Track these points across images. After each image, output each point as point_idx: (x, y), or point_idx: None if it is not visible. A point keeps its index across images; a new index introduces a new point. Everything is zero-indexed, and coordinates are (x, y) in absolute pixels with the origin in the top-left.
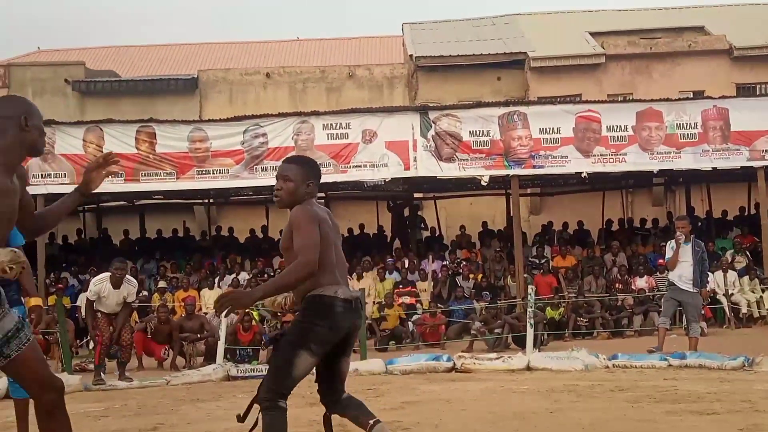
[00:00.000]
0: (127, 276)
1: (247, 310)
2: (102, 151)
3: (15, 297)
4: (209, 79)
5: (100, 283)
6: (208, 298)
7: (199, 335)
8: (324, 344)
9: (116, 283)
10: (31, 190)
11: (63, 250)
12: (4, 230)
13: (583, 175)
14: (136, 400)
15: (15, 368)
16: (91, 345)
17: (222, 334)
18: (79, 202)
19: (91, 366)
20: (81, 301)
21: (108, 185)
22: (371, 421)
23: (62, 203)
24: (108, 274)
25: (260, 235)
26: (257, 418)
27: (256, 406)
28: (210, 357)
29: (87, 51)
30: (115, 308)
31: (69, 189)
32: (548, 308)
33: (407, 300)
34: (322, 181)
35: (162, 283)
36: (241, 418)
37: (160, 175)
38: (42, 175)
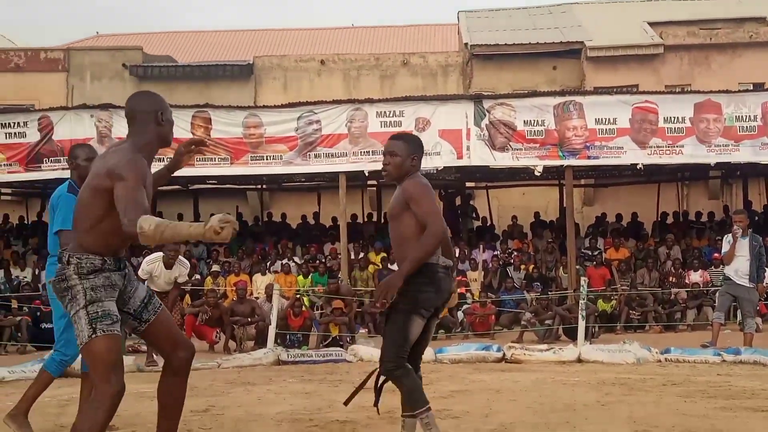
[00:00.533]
0: (180, 257)
1: (297, 296)
2: None
3: None
4: (264, 66)
5: (152, 262)
6: (260, 283)
7: (249, 319)
8: (430, 307)
9: (168, 264)
10: None
11: None
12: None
13: (638, 167)
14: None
15: (152, 330)
16: None
17: (273, 318)
18: (165, 180)
19: (144, 347)
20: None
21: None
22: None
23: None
24: (160, 254)
25: (311, 221)
26: (379, 384)
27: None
28: (261, 341)
29: (144, 36)
30: (165, 287)
31: None
32: (600, 300)
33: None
34: (374, 168)
35: (215, 267)
36: (346, 402)
37: (215, 160)
38: None
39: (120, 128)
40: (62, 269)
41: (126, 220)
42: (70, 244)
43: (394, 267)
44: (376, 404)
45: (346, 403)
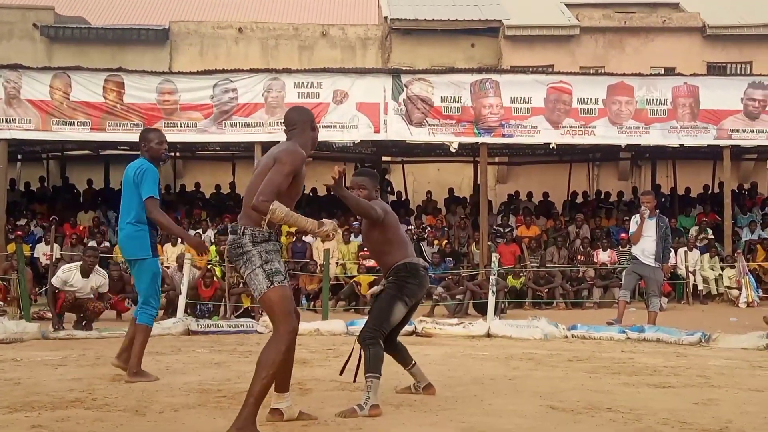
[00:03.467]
0: (97, 267)
1: (209, 267)
2: (68, 98)
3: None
4: (180, 31)
5: (69, 271)
6: (171, 252)
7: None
8: (413, 298)
9: (86, 272)
10: None
11: (25, 197)
12: (292, 205)
13: (551, 146)
14: (94, 350)
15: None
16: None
17: (183, 288)
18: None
19: (49, 315)
20: (39, 251)
21: (73, 133)
22: (411, 363)
23: None
24: (78, 263)
25: (226, 191)
26: (358, 360)
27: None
28: (171, 311)
29: None
30: (84, 294)
31: (34, 135)
32: (510, 277)
33: (371, 263)
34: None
35: None
36: (341, 372)
37: (127, 126)
38: (6, 120)
39: (29, 89)
40: (237, 239)
41: (261, 197)
42: (242, 218)
43: (308, 239)
44: (341, 373)
45: (341, 373)
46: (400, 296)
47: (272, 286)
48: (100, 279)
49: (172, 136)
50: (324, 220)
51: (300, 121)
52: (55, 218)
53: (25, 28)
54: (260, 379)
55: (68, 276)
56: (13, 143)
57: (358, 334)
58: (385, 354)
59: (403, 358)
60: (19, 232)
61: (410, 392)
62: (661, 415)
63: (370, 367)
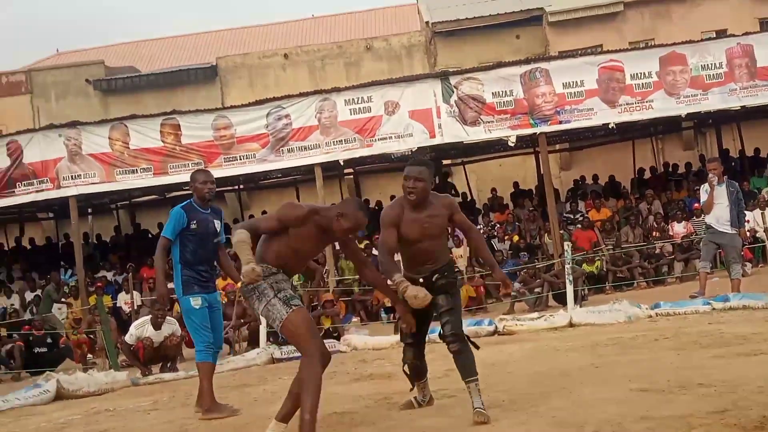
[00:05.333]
0: (168, 317)
1: None
2: (128, 147)
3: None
4: (228, 66)
5: (141, 326)
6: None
7: (242, 320)
8: None
9: (157, 324)
10: (63, 192)
11: (99, 248)
12: (300, 264)
13: (610, 126)
14: (183, 390)
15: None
16: None
17: (263, 318)
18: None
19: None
20: (120, 300)
21: (137, 181)
22: (426, 377)
23: None
24: (148, 317)
25: None
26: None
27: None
28: (253, 342)
29: (105, 49)
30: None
31: (99, 188)
32: (585, 263)
33: None
34: (349, 157)
35: None
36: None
37: (188, 166)
38: (72, 176)
39: (89, 144)
40: None
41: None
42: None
43: (374, 252)
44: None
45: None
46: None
47: (291, 311)
48: (171, 327)
49: (233, 170)
50: (248, 266)
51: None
52: (132, 265)
53: (78, 85)
54: (307, 396)
55: (141, 332)
56: (81, 198)
57: (445, 335)
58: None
59: (426, 369)
60: (99, 284)
61: (412, 407)
62: (756, 383)
63: (472, 371)
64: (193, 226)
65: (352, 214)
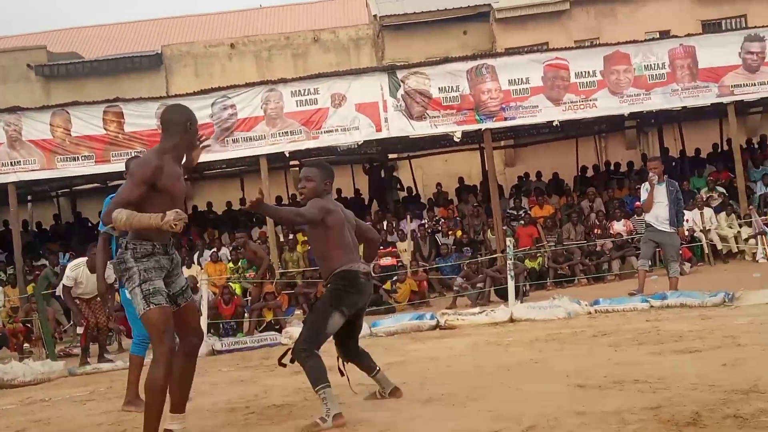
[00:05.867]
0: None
1: (227, 284)
2: (70, 134)
3: None
4: (173, 54)
5: (76, 268)
6: (187, 275)
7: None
8: (352, 306)
9: (93, 267)
10: (1, 178)
11: (38, 236)
12: (180, 204)
13: (554, 124)
14: (120, 381)
15: (179, 314)
16: (79, 329)
17: (203, 309)
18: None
19: (76, 350)
20: (59, 289)
21: (78, 168)
22: (375, 370)
23: None
24: (84, 259)
25: (238, 206)
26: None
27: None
28: None
29: (48, 35)
30: (94, 291)
31: (39, 175)
32: (527, 259)
33: (388, 261)
34: (295, 149)
35: None
36: (280, 362)
37: (131, 154)
38: (11, 162)
39: (30, 130)
40: (121, 254)
41: (107, 213)
42: (129, 233)
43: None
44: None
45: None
46: (336, 306)
47: (148, 309)
48: (108, 271)
49: None
50: (168, 211)
51: (167, 121)
52: (73, 254)
53: (19, 70)
54: (147, 406)
55: (77, 273)
56: (20, 185)
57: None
58: (350, 362)
59: (367, 365)
60: (38, 273)
61: (376, 398)
62: (690, 380)
63: (315, 380)
64: None
65: (176, 119)
